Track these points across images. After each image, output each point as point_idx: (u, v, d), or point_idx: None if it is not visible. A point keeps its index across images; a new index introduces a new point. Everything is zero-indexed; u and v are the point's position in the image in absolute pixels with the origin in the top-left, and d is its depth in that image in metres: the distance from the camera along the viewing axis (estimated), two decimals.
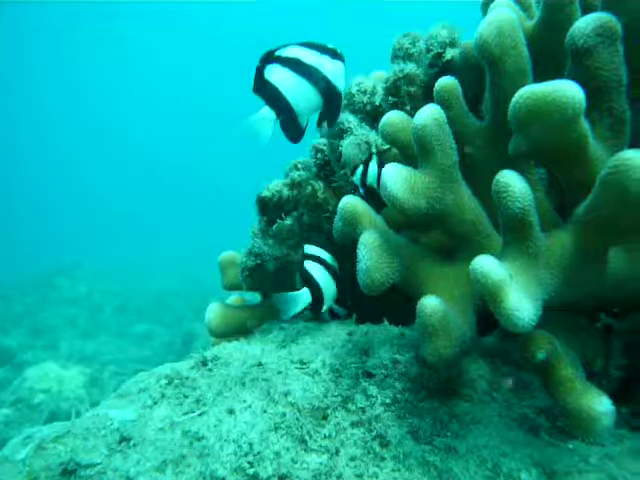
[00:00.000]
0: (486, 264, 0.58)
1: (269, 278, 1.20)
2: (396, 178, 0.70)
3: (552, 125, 0.62)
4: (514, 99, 0.64)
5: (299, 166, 1.24)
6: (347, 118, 1.05)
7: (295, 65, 0.95)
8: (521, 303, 0.56)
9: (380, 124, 0.85)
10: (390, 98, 0.98)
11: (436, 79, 0.88)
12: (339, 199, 0.97)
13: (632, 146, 0.75)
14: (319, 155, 1.17)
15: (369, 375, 0.79)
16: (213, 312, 1.27)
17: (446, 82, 0.83)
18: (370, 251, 0.71)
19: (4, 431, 4.44)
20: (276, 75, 0.96)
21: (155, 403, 0.96)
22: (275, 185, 1.19)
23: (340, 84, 1.00)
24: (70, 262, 11.14)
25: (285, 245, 1.13)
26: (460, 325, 0.67)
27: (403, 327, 0.89)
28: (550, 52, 0.84)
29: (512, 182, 0.62)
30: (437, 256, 0.81)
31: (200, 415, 0.87)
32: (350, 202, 0.78)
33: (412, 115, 0.92)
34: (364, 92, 1.12)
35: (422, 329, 0.65)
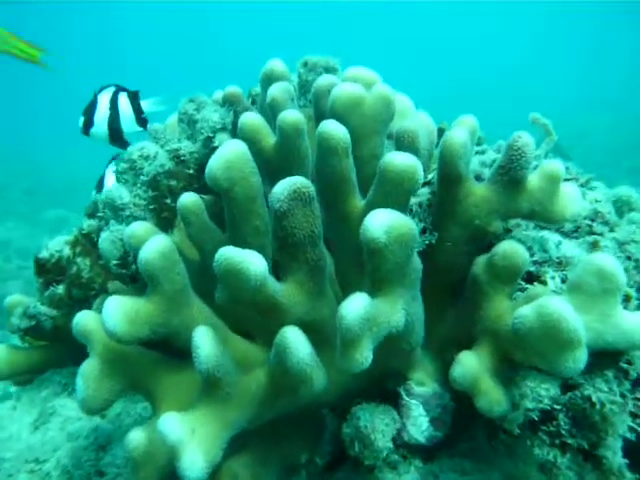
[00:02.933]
0: (167, 424, 0.65)
1: (47, 334, 1.21)
2: (115, 313, 0.74)
3: (241, 289, 0.70)
4: (216, 257, 0.71)
5: (110, 202, 1.21)
6: (120, 195, 1.06)
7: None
8: (193, 462, 0.65)
9: (125, 234, 0.88)
10: (150, 192, 1.00)
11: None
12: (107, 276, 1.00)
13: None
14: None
15: (101, 474, 0.85)
16: None
17: (187, 200, 0.88)
18: (86, 382, 0.76)
19: None
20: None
21: None
22: (56, 244, 1.18)
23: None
24: None
25: (58, 310, 1.14)
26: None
27: None
28: (286, 170, 0.91)
29: (200, 342, 0.69)
30: (172, 362, 0.87)
31: None
32: (80, 319, 0.81)
33: (174, 209, 0.97)
34: (146, 158, 1.13)
35: (127, 465, 0.72)
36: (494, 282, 0.81)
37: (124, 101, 1.60)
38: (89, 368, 0.77)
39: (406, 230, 0.68)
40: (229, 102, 1.22)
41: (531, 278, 0.87)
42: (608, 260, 0.73)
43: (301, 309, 0.78)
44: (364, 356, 0.66)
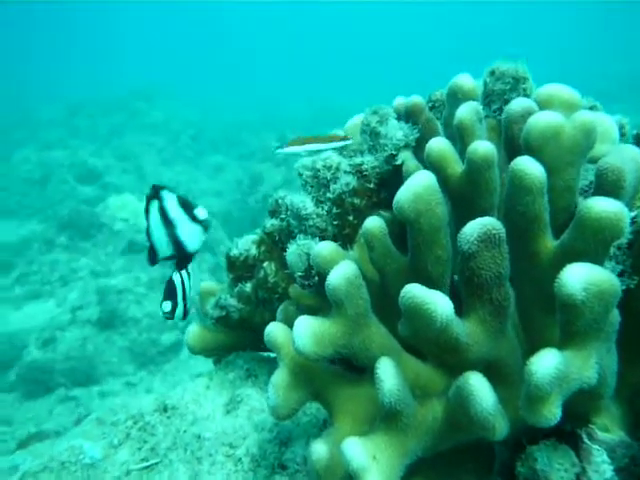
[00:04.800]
0: (351, 449, 0.71)
1: (234, 323, 1.34)
2: (305, 334, 0.81)
3: (423, 328, 0.72)
4: (402, 293, 0.73)
5: (295, 210, 1.30)
6: (305, 205, 1.14)
7: (162, 212, 1.19)
8: None
9: (311, 252, 0.94)
10: (334, 209, 1.05)
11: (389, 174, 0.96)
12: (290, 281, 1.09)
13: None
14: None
15: (283, 467, 0.94)
16: (191, 333, 1.42)
17: (372, 225, 0.91)
18: (277, 391, 0.84)
19: (93, 251, 5.21)
20: (151, 211, 1.20)
21: (120, 444, 1.14)
22: (244, 243, 1.30)
23: (191, 245, 1.23)
24: (147, 85, 11.65)
25: (245, 305, 1.26)
26: None
27: None
28: (472, 202, 0.90)
29: (384, 376, 0.73)
30: (350, 377, 0.92)
31: (149, 469, 1.05)
32: (272, 332, 0.90)
33: (355, 226, 1.02)
34: (329, 168, 1.19)
35: (308, 473, 0.79)
36: None
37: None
38: (279, 379, 0.85)
39: (607, 287, 0.65)
40: (411, 113, 1.23)
41: None
42: None
43: (481, 348, 0.78)
44: (552, 413, 0.65)
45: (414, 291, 0.72)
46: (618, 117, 1.33)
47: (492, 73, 1.26)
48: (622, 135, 1.21)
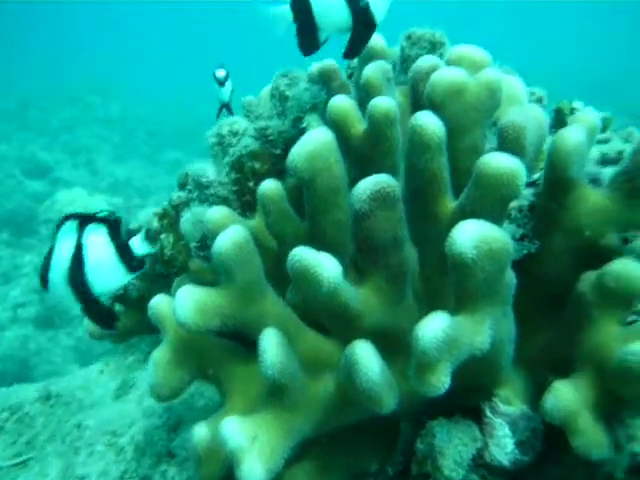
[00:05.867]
0: (229, 429, 0.63)
1: (133, 303, 1.24)
2: (186, 303, 0.73)
3: (311, 293, 0.65)
4: (289, 257, 0.67)
5: (196, 178, 1.22)
6: (205, 172, 1.05)
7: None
8: (252, 471, 0.63)
9: (204, 221, 0.86)
10: (233, 174, 0.97)
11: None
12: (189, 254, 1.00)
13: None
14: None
15: (171, 455, 0.86)
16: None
17: (268, 187, 0.84)
18: (157, 368, 0.76)
19: (38, 247, 5.10)
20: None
21: None
22: (145, 216, 1.21)
23: (378, 13, 0.90)
24: (103, 79, 11.11)
25: (142, 282, 1.16)
26: None
27: None
28: (375, 161, 0.85)
29: (267, 347, 0.66)
30: (245, 353, 0.85)
31: (24, 464, 0.95)
32: (155, 303, 0.81)
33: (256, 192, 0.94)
34: (235, 133, 1.11)
35: (191, 458, 0.71)
36: (602, 304, 0.71)
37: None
38: (160, 355, 0.77)
39: (499, 245, 0.60)
40: (325, 78, 1.16)
41: None
42: None
43: (378, 316, 0.72)
44: (441, 381, 0.60)
45: (301, 254, 0.66)
46: (537, 89, 1.31)
47: (409, 38, 1.20)
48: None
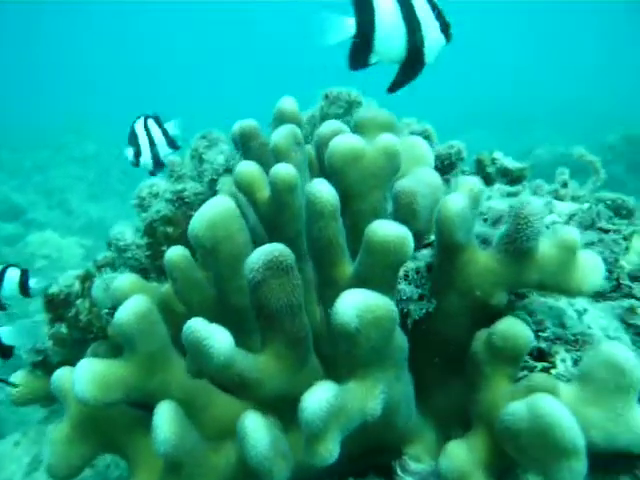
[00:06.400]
0: None
1: (55, 369, 1.21)
2: (84, 378, 0.72)
3: (204, 365, 0.66)
4: (184, 328, 0.67)
5: (115, 242, 1.21)
6: (123, 235, 1.05)
7: (406, 7, 0.91)
8: None
9: (111, 288, 0.86)
10: (146, 239, 0.98)
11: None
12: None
13: None
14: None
15: None
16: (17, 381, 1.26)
17: (173, 254, 0.84)
18: (54, 447, 0.74)
19: None
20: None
21: None
22: (66, 279, 1.19)
23: (431, 55, 0.94)
24: (79, 116, 10.89)
25: (62, 348, 1.14)
26: None
27: None
28: (279, 227, 0.87)
29: (160, 422, 0.65)
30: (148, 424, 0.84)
31: None
32: (57, 376, 0.80)
33: None
34: (155, 195, 1.12)
35: None
36: (493, 362, 0.73)
37: (155, 128, 1.61)
38: (57, 433, 0.75)
39: (382, 312, 0.62)
40: (244, 138, 1.18)
41: (542, 355, 0.79)
42: (620, 352, 0.64)
43: (278, 383, 0.73)
44: (329, 450, 0.60)
45: (194, 325, 0.66)
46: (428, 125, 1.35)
47: (326, 97, 1.25)
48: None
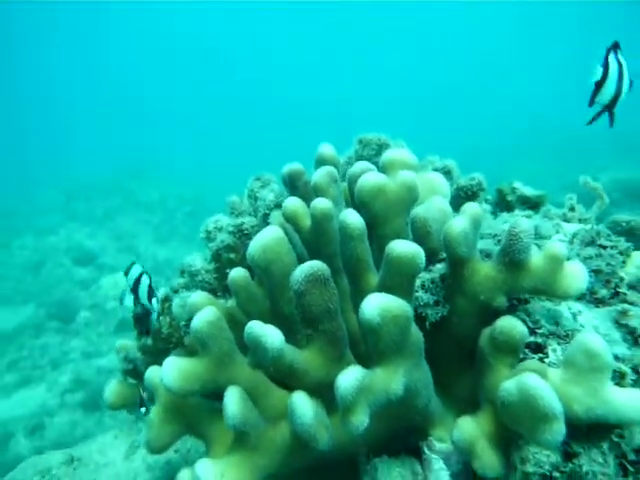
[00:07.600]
0: (201, 469, 0.82)
1: (143, 376, 1.44)
2: (171, 372, 0.93)
3: (261, 357, 0.85)
4: (245, 329, 0.87)
5: (187, 268, 1.43)
6: (195, 262, 1.27)
7: (619, 69, 1.23)
8: None
9: (187, 304, 1.07)
10: (213, 264, 1.20)
11: None
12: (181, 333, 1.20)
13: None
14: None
15: None
16: (109, 389, 1.49)
17: (236, 274, 1.05)
18: (151, 426, 0.95)
19: (84, 332, 5.29)
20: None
21: None
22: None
23: (620, 103, 1.26)
24: (141, 164, 11.91)
25: (149, 357, 1.36)
26: None
27: None
28: (318, 249, 1.06)
29: (229, 401, 0.85)
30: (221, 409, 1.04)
31: None
32: (149, 373, 1.01)
33: None
34: (220, 229, 1.34)
35: None
36: (495, 354, 0.89)
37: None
38: (152, 415, 0.96)
39: (399, 312, 0.80)
40: (291, 178, 1.40)
41: (539, 348, 0.94)
42: (595, 340, 0.80)
43: (320, 372, 0.91)
44: (360, 420, 0.78)
45: (253, 326, 0.86)
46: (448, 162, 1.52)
47: (360, 141, 1.46)
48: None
